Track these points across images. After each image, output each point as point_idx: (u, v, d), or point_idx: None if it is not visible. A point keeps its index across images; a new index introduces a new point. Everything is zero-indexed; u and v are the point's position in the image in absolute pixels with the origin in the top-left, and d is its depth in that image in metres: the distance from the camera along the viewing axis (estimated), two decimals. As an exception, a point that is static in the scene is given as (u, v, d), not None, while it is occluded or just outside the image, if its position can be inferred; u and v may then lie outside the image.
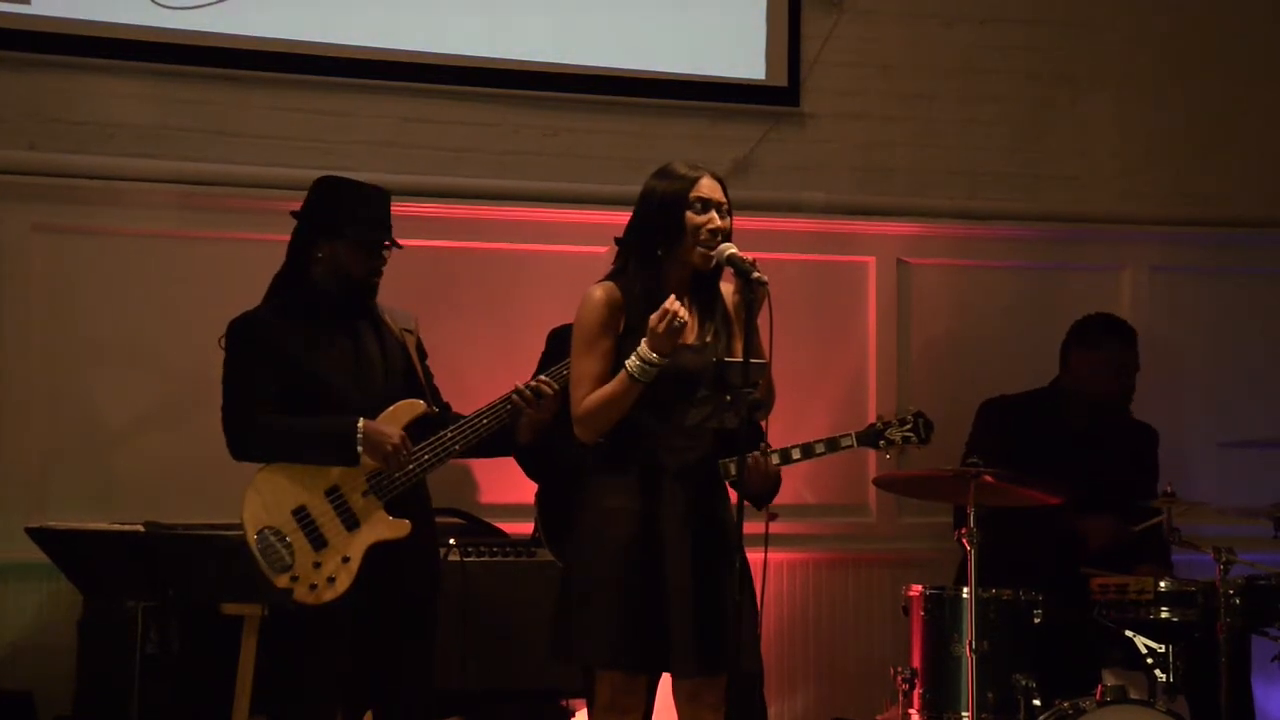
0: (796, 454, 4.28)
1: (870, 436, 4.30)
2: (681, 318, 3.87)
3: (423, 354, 4.68)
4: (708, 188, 4.02)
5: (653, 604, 3.92)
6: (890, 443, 4.29)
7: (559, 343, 4.94)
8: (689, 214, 3.99)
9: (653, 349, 3.88)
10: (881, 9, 6.44)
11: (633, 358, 3.92)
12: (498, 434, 4.49)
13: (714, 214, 4.00)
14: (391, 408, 4.44)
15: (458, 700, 5.07)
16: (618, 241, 4.22)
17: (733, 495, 4.04)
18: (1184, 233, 6.61)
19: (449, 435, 4.46)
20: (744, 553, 4.16)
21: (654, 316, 3.87)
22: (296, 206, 4.63)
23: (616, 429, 4.02)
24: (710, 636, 3.91)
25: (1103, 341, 5.68)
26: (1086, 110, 6.60)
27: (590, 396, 3.98)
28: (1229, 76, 6.69)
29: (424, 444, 4.44)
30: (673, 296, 3.90)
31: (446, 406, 4.67)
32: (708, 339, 4.04)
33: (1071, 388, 5.69)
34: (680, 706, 4.06)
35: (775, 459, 4.24)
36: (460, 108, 6.05)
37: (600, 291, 4.04)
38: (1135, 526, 5.28)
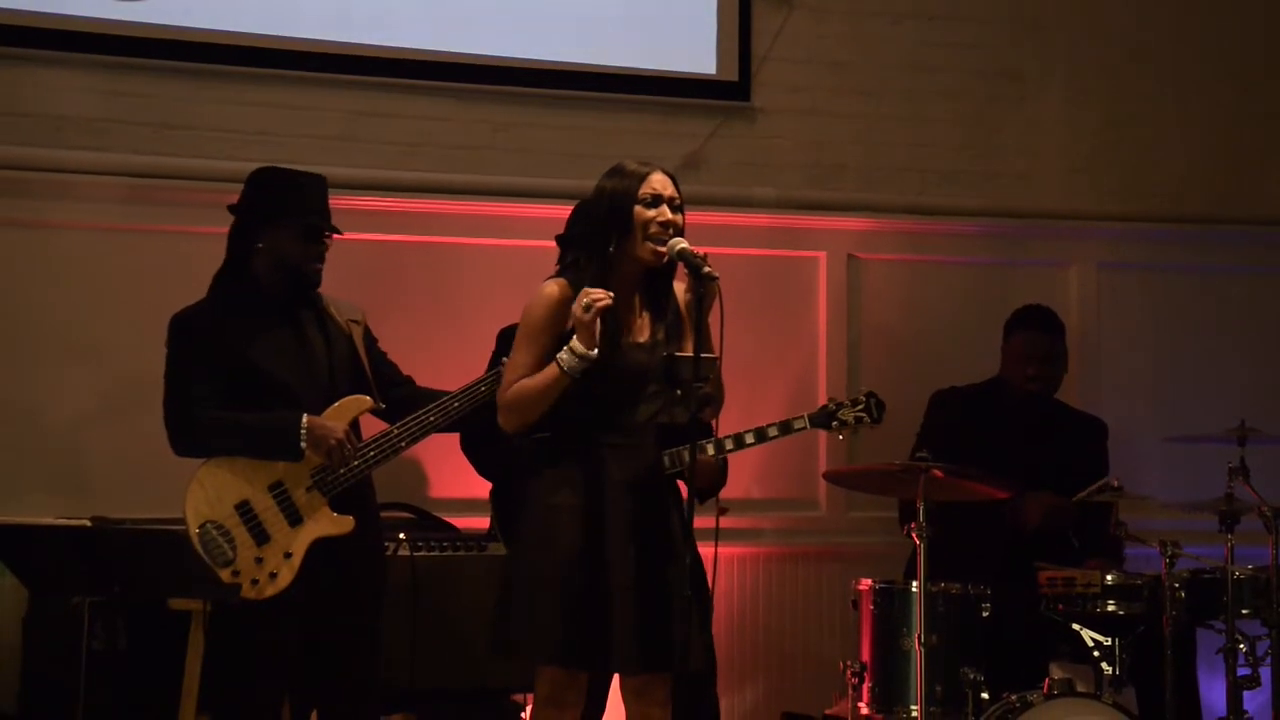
0: (750, 438, 4.25)
1: (823, 418, 4.27)
2: (601, 302, 3.87)
3: (372, 340, 4.66)
4: (658, 183, 4.02)
5: (596, 602, 3.93)
6: (843, 423, 4.26)
7: (508, 342, 4.93)
8: (638, 208, 3.99)
9: (580, 341, 3.90)
10: (831, 6, 6.46)
11: (564, 350, 3.93)
12: (445, 429, 4.49)
13: (664, 208, 4.00)
14: (337, 403, 4.41)
15: (406, 697, 5.05)
16: (560, 239, 4.20)
17: (683, 490, 4.05)
18: (1131, 229, 6.65)
19: (395, 433, 4.44)
20: (696, 549, 4.17)
21: (575, 305, 3.88)
22: (242, 200, 4.62)
23: (561, 427, 4.02)
24: (655, 633, 3.92)
25: (1012, 332, 5.77)
26: (1035, 107, 6.64)
27: (516, 385, 4.00)
28: (1175, 74, 6.73)
29: (370, 441, 4.42)
30: (608, 293, 3.90)
31: (409, 380, 4.66)
32: (659, 337, 4.04)
33: (1004, 379, 5.76)
34: (628, 703, 4.07)
35: (729, 444, 4.24)
36: (411, 102, 6.03)
37: (554, 287, 4.04)
38: (1074, 497, 5.25)
